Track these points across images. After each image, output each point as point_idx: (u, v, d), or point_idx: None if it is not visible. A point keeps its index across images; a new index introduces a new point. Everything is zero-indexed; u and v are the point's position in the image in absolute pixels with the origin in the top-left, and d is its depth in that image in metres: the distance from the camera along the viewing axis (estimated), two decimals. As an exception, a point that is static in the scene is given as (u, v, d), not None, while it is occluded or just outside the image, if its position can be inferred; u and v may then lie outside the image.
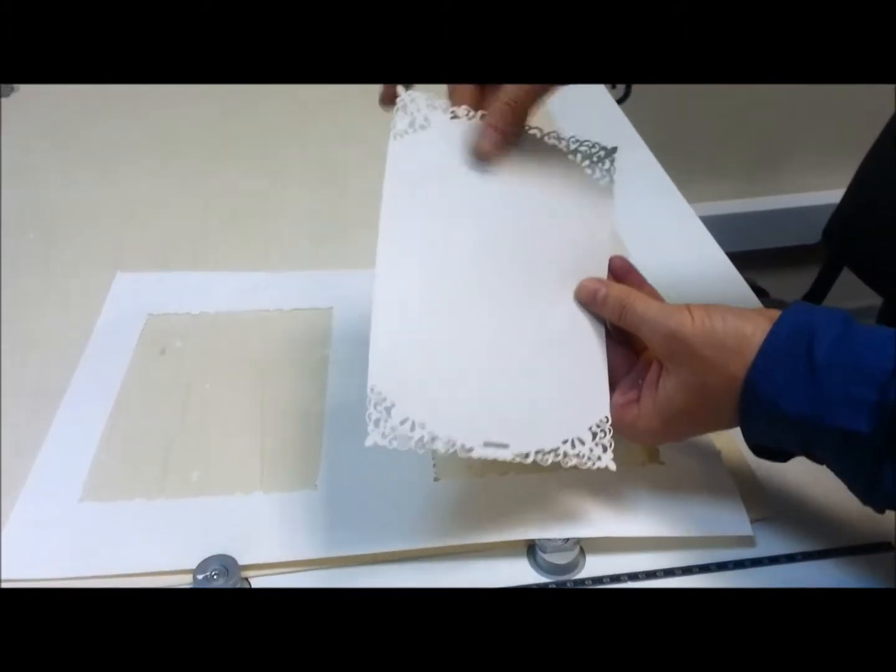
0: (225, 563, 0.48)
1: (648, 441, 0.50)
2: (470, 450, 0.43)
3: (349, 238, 0.75)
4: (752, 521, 0.50)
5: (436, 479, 0.53)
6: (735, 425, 0.45)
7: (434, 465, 0.54)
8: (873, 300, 1.13)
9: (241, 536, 0.50)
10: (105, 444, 0.55)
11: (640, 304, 0.47)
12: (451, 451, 0.43)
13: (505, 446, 0.44)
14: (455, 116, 0.49)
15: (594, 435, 0.46)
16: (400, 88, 0.49)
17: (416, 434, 0.43)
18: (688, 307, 0.45)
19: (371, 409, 0.42)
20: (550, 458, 0.45)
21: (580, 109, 0.97)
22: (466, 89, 0.49)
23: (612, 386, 0.48)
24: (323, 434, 0.57)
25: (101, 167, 0.84)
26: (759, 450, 0.47)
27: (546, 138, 0.51)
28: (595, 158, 0.52)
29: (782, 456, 0.47)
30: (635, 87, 1.31)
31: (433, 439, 0.43)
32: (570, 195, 0.51)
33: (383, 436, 0.42)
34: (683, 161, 1.40)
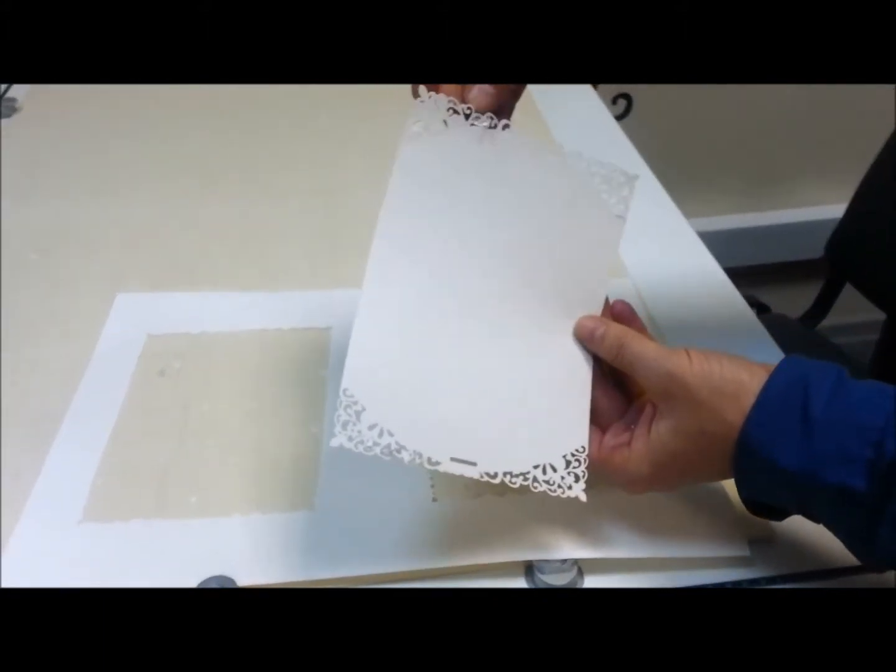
0: (223, 584, 0.48)
1: (637, 488, 0.47)
2: (437, 463, 0.43)
3: (348, 257, 0.76)
4: (750, 542, 0.50)
5: (434, 500, 0.53)
6: (728, 476, 0.44)
7: (432, 486, 0.54)
8: (876, 315, 1.12)
9: (239, 557, 0.50)
10: (105, 466, 0.56)
11: (638, 344, 0.46)
12: (418, 462, 0.42)
13: (473, 464, 0.44)
14: (475, 124, 0.47)
15: (568, 463, 0.46)
16: (422, 88, 0.48)
17: (384, 441, 0.42)
18: (686, 350, 0.45)
19: (341, 411, 0.42)
20: (519, 482, 0.44)
21: (579, 126, 0.98)
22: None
23: (604, 429, 0.48)
24: (321, 454, 0.57)
25: (102, 188, 0.85)
26: (754, 506, 0.47)
27: (566, 156, 0.50)
28: (614, 184, 0.50)
29: (777, 514, 0.47)
30: (634, 104, 1.32)
31: (400, 449, 0.42)
32: (582, 218, 0.50)
33: (349, 438, 0.42)
34: (685, 177, 1.40)
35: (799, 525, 0.52)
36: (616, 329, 0.48)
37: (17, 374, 0.63)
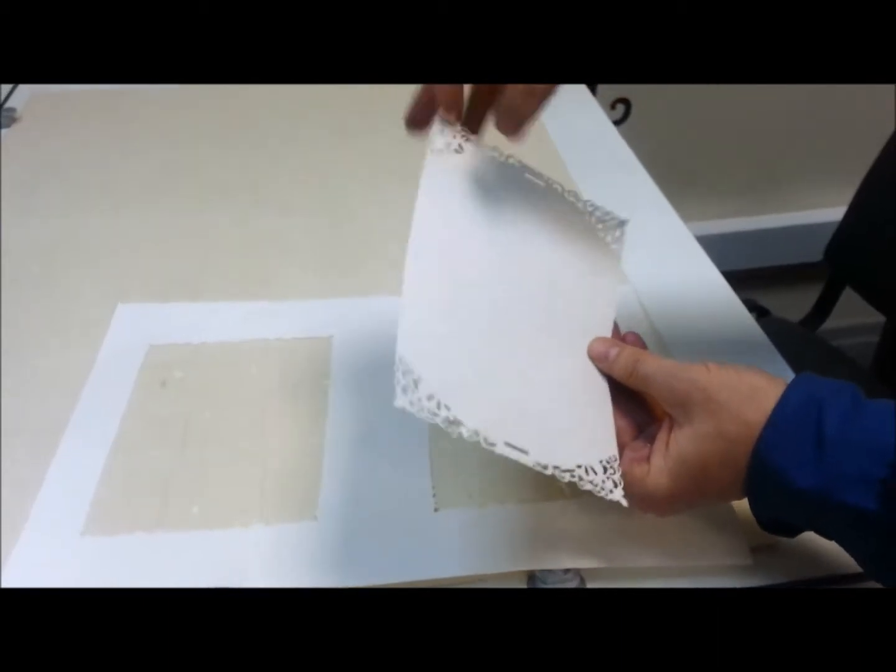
0: (225, 596, 0.48)
1: (656, 506, 0.47)
2: (493, 444, 0.43)
3: (349, 266, 0.76)
4: (752, 550, 0.50)
5: (436, 510, 0.53)
6: (744, 495, 0.45)
7: (434, 496, 0.54)
8: (876, 318, 1.13)
9: (241, 568, 0.50)
10: (107, 477, 0.56)
11: (653, 360, 0.47)
12: (475, 440, 0.42)
13: (525, 452, 0.44)
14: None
15: (605, 469, 0.46)
16: (438, 116, 0.49)
17: (443, 413, 0.42)
18: (704, 363, 0.45)
19: (399, 376, 0.41)
20: (567, 477, 0.45)
21: (577, 131, 0.98)
22: (447, 86, 0.48)
23: (620, 448, 0.48)
24: (323, 464, 0.57)
25: (103, 198, 0.85)
26: (768, 524, 0.47)
27: (565, 195, 0.53)
28: (608, 225, 0.54)
29: (791, 531, 0.47)
30: (633, 109, 1.32)
31: (458, 423, 0.42)
32: (585, 248, 0.53)
33: (411, 403, 0.41)
34: (683, 182, 1.41)
35: (803, 533, 0.52)
36: (630, 349, 0.49)
37: (19, 384, 0.63)
